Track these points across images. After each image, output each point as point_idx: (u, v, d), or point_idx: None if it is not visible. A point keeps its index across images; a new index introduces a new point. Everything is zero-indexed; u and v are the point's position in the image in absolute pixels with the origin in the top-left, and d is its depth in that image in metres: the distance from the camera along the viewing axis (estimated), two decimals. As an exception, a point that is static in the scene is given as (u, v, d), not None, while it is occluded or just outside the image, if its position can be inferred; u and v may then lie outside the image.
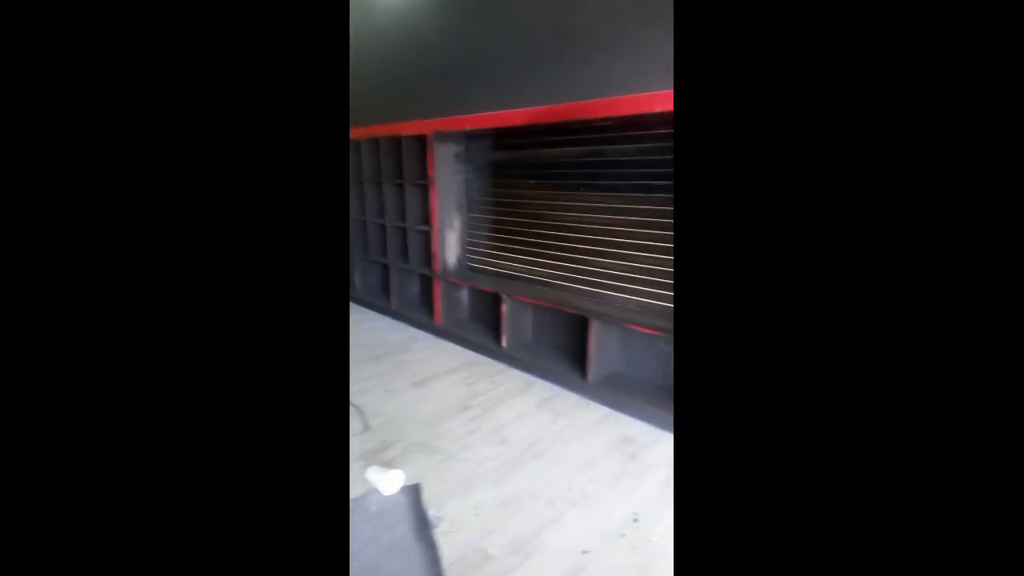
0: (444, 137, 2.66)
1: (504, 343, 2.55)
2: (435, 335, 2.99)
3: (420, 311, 3.20)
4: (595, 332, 2.14)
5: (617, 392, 2.12)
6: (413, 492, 1.59)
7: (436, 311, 2.92)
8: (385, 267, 3.37)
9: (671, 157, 1.96)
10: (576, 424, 2.01)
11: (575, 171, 2.32)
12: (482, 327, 2.89)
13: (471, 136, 2.70)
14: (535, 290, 2.52)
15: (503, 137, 2.59)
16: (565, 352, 2.50)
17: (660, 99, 1.73)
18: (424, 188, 2.90)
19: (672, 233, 2.01)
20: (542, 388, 2.32)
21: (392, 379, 2.43)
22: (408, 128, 2.81)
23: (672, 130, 1.89)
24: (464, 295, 3.03)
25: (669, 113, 1.74)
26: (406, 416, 2.07)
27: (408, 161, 2.91)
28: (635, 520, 1.46)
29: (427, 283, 3.20)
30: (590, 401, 2.19)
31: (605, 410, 2.12)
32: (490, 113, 2.35)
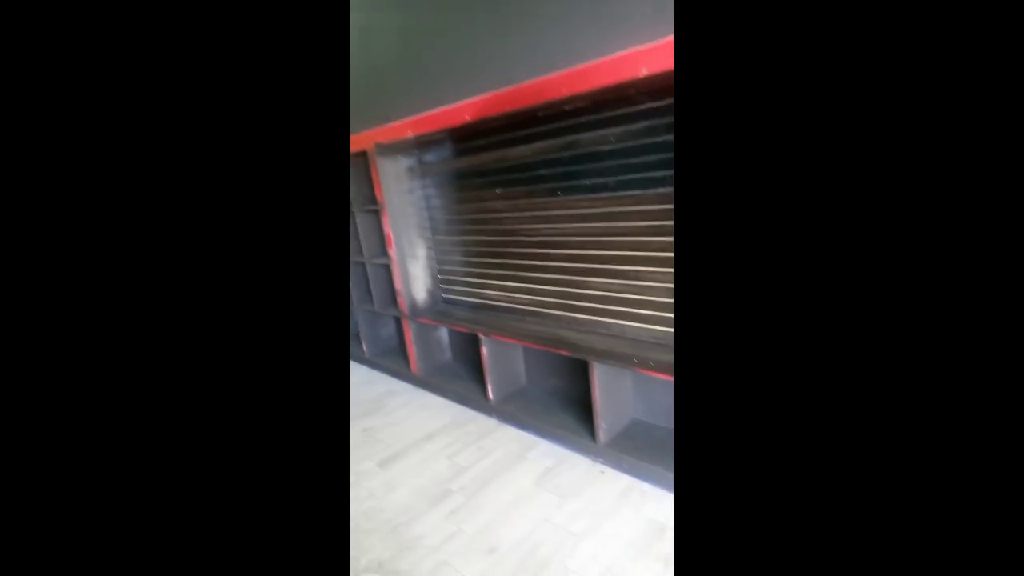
0: (388, 150, 2.18)
1: (491, 394, 2.06)
2: (414, 385, 2.52)
3: (396, 358, 2.73)
4: (599, 380, 1.63)
5: (637, 452, 1.61)
6: (362, 662, 1.12)
7: (411, 357, 2.45)
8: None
9: (668, 139, 1.44)
10: (589, 507, 1.51)
11: (548, 171, 1.82)
12: (467, 372, 2.40)
13: (422, 144, 2.22)
14: (521, 324, 2.02)
15: (459, 141, 2.10)
16: (568, 399, 2.00)
17: (643, 57, 1.22)
18: (376, 214, 2.42)
19: (684, 239, 1.49)
20: (543, 452, 1.82)
21: (359, 457, 1.96)
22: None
23: (672, 102, 1.38)
24: (443, 335, 2.55)
25: (659, 76, 1.22)
26: (369, 516, 1.60)
27: (355, 184, 2.43)
28: None
29: (400, 325, 2.73)
30: (604, 467, 1.68)
31: (624, 479, 1.61)
32: (432, 112, 1.85)
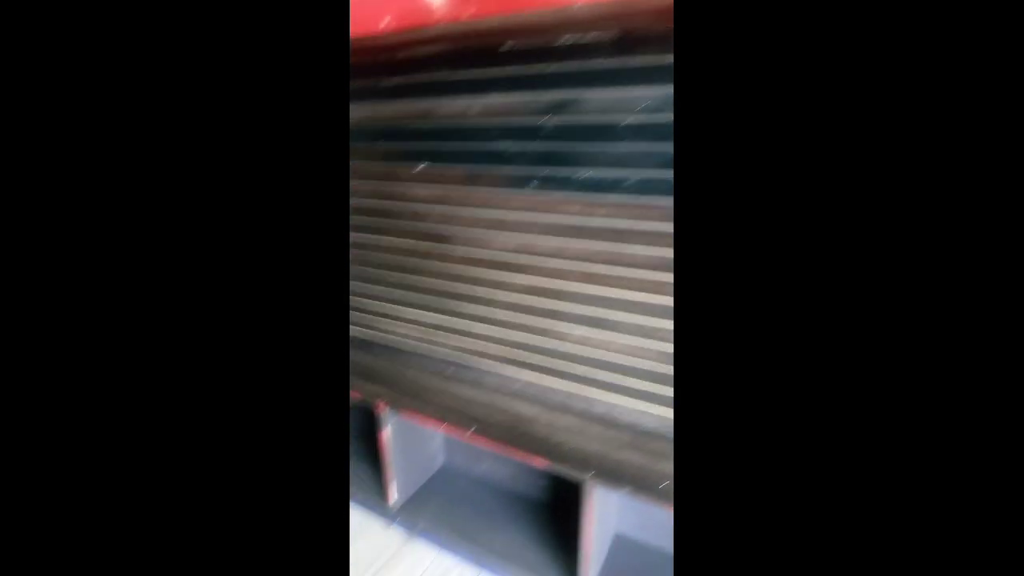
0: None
1: (393, 493, 1.31)
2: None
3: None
4: (596, 507, 0.99)
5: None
6: None
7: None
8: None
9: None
10: None
11: (514, 147, 1.09)
12: (356, 444, 1.59)
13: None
14: (447, 386, 1.29)
15: (356, 68, 1.25)
16: (513, 496, 1.33)
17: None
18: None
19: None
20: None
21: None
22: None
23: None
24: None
25: None
26: None
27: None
28: None
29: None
30: (587, 635, 1.06)
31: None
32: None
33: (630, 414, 1.10)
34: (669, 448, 1.01)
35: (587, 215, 1.04)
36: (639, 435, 1.06)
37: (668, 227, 0.96)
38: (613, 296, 1.06)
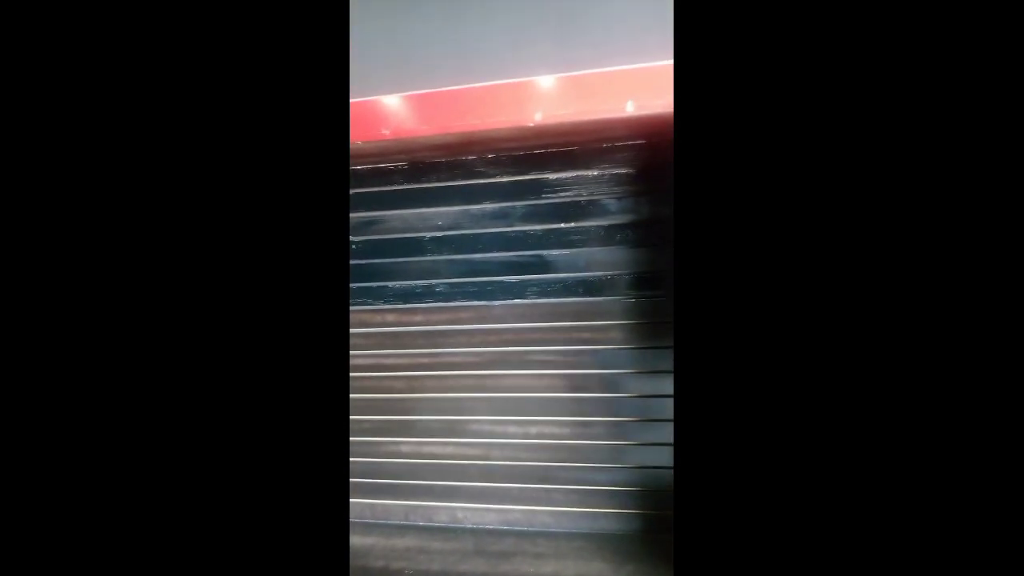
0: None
1: None
2: None
3: None
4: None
5: None
6: None
7: None
8: None
9: (533, 228, 0.98)
10: None
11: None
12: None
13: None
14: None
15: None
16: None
17: (571, 91, 0.75)
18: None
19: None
20: None
21: None
22: None
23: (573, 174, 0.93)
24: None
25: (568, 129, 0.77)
26: None
27: None
28: None
29: None
30: None
31: None
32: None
33: (472, 515, 1.08)
34: (511, 545, 1.01)
35: (403, 325, 1.07)
36: (481, 537, 1.04)
37: (481, 326, 1.04)
38: (437, 398, 1.08)
